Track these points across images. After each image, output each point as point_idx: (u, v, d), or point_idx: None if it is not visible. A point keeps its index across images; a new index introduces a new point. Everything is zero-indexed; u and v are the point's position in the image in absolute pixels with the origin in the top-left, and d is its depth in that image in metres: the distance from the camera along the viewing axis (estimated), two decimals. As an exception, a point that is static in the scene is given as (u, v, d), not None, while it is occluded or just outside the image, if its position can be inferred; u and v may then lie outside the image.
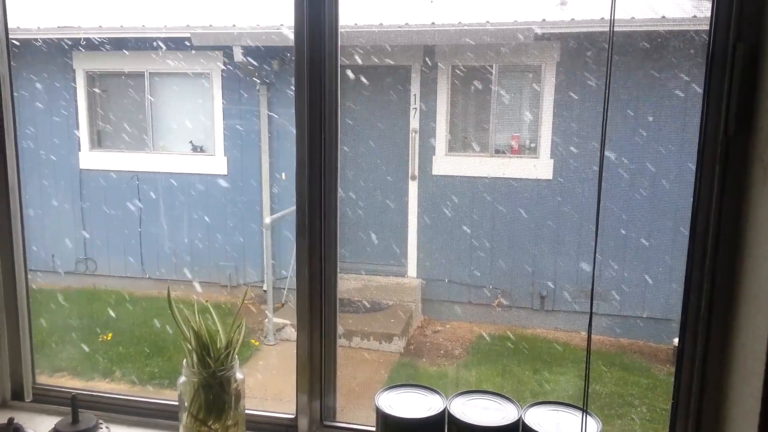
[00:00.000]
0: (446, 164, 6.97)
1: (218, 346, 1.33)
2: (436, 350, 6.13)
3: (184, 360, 1.33)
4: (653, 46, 6.15)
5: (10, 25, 1.64)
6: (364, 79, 7.05)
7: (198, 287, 7.27)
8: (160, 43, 7.23)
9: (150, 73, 7.49)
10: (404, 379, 5.54)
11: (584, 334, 6.40)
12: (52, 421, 1.43)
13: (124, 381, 5.46)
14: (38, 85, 7.66)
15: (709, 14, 1.16)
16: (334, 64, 1.42)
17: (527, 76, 6.79)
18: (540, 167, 6.67)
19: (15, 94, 1.66)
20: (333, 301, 1.52)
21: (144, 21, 7.14)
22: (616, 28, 5.99)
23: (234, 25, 6.89)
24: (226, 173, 7.46)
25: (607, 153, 6.26)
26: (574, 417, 1.27)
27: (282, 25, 6.66)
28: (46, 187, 7.75)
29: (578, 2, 6.56)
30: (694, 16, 6.01)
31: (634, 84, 6.20)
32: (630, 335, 6.34)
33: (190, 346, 1.32)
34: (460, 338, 6.37)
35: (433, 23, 6.46)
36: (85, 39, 7.43)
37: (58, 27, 7.36)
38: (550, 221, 6.64)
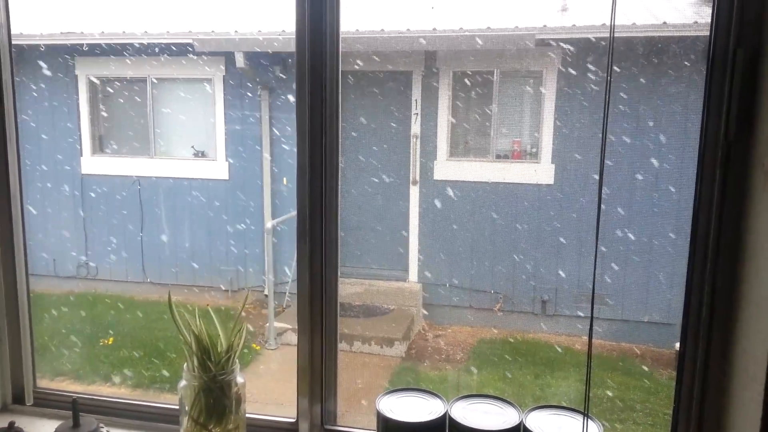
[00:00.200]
0: (447, 169, 6.97)
1: (219, 350, 1.33)
2: (437, 355, 6.12)
3: (185, 364, 1.33)
4: (654, 51, 6.17)
5: (13, 31, 1.65)
6: (365, 85, 7.06)
7: (199, 291, 7.27)
8: (163, 49, 7.25)
9: (152, 78, 7.52)
10: (405, 383, 5.53)
11: (586, 338, 6.39)
12: (52, 424, 1.43)
13: (125, 385, 5.45)
14: (41, 91, 7.68)
15: (709, 20, 1.17)
16: (335, 69, 1.42)
17: (528, 82, 6.81)
18: (541, 172, 6.67)
19: (17, 99, 1.66)
20: (334, 306, 1.52)
21: (146, 27, 7.17)
22: (617, 34, 6.01)
23: (236, 31, 6.91)
24: (227, 178, 7.47)
25: (607, 158, 6.26)
26: (575, 421, 1.27)
27: (283, 30, 6.68)
28: (47, 192, 7.76)
29: (579, 8, 6.58)
30: (695, 22, 6.02)
31: (634, 89, 6.21)
32: (631, 340, 6.33)
33: (190, 350, 1.32)
34: (461, 343, 6.36)
35: (434, 29, 6.48)
36: (87, 44, 7.46)
37: (61, 33, 7.39)
38: (551, 226, 6.64)
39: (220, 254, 7.48)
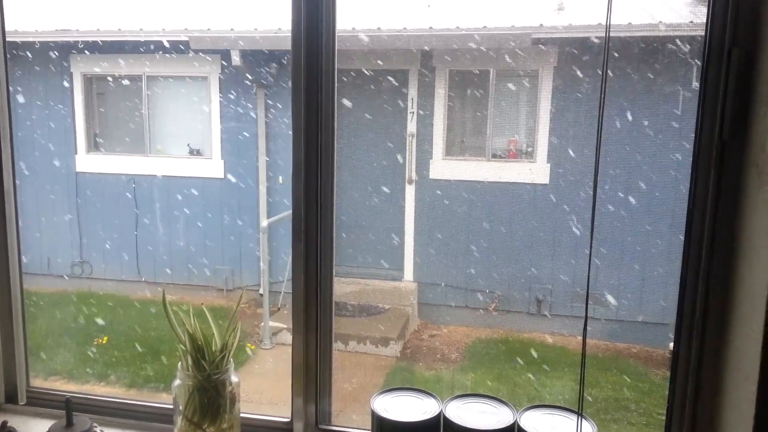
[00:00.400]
0: (443, 168, 6.97)
1: (213, 349, 1.32)
2: (432, 354, 6.12)
3: (179, 363, 1.33)
4: (650, 51, 6.18)
5: (7, 28, 1.64)
6: (361, 84, 7.06)
7: (194, 290, 7.25)
8: (158, 47, 7.23)
9: (147, 76, 7.49)
10: (400, 383, 5.53)
11: (580, 338, 6.40)
12: (46, 424, 1.42)
13: (119, 384, 5.44)
14: (35, 88, 7.65)
15: (705, 20, 1.17)
16: (331, 67, 1.42)
17: (524, 81, 6.82)
18: (537, 171, 6.68)
19: (11, 96, 1.65)
20: (329, 305, 1.52)
21: (142, 24, 7.15)
22: (613, 33, 6.02)
23: (232, 29, 6.89)
24: (222, 176, 7.46)
25: (602, 157, 6.28)
26: (569, 421, 1.27)
27: (279, 28, 6.67)
28: (41, 190, 7.73)
29: (575, 7, 6.59)
30: (691, 22, 6.04)
31: (630, 89, 6.23)
32: (626, 339, 6.35)
33: (185, 349, 1.32)
34: (456, 342, 6.37)
35: (430, 28, 6.48)
36: (82, 42, 7.43)
37: (56, 30, 7.35)
38: (547, 225, 6.65)
39: (215, 253, 7.47)
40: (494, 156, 6.91)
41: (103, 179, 7.69)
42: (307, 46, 1.39)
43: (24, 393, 1.65)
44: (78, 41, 7.43)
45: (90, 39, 7.35)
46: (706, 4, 1.16)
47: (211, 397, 1.31)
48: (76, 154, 7.77)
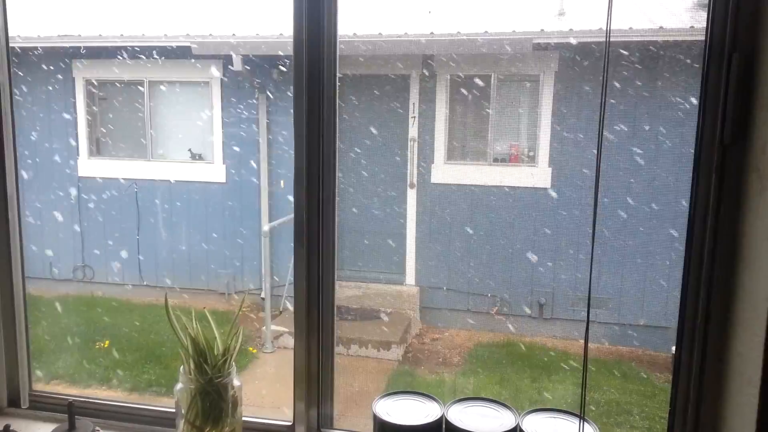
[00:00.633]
0: (445, 172, 6.98)
1: (215, 353, 1.33)
2: (434, 358, 6.12)
3: (181, 367, 1.33)
4: (651, 56, 6.19)
5: (10, 34, 1.65)
6: (363, 89, 7.07)
7: (196, 294, 7.26)
8: (160, 52, 7.25)
9: (149, 81, 7.52)
10: (402, 387, 5.52)
11: (582, 341, 6.39)
12: (48, 428, 1.43)
13: (121, 388, 5.44)
14: (38, 93, 7.68)
15: (705, 25, 1.18)
16: (332, 73, 1.43)
17: (525, 86, 6.83)
18: (538, 175, 6.68)
19: (14, 101, 1.66)
20: (331, 309, 1.52)
21: (144, 30, 7.17)
22: (613, 38, 6.03)
23: (234, 34, 6.92)
24: (224, 181, 7.47)
25: (603, 162, 6.28)
26: (571, 424, 1.27)
27: (281, 34, 6.69)
28: (44, 194, 7.75)
29: (576, 12, 6.61)
30: (692, 27, 6.04)
31: (631, 93, 6.23)
32: (628, 343, 6.33)
33: (187, 353, 1.32)
34: (458, 346, 6.36)
35: (431, 33, 6.50)
36: (85, 47, 7.45)
37: (59, 35, 7.38)
38: (549, 229, 6.65)
39: (217, 257, 7.47)
40: (496, 160, 6.92)
41: (105, 184, 7.70)
42: (308, 51, 1.40)
43: (27, 397, 1.65)
44: (80, 47, 7.46)
45: (92, 44, 7.38)
46: (707, 9, 1.16)
47: (213, 400, 1.31)
48: (79, 158, 7.79)
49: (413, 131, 7.01)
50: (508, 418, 1.28)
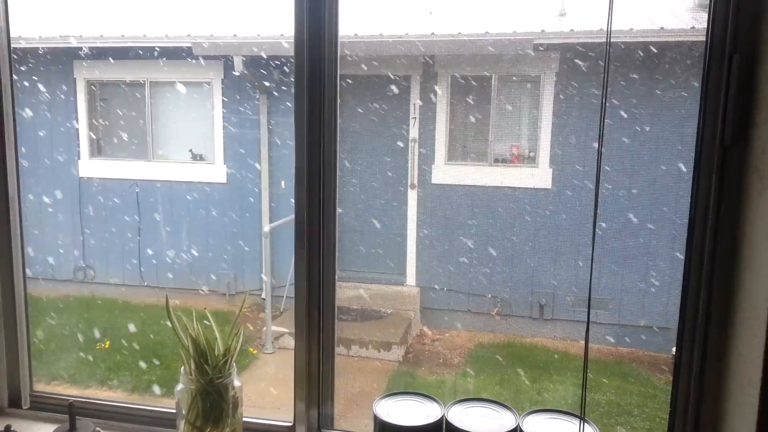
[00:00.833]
0: (445, 173, 6.98)
1: (216, 353, 1.33)
2: (434, 359, 6.12)
3: (182, 367, 1.33)
4: (651, 56, 6.19)
5: (12, 34, 1.65)
6: (363, 89, 7.07)
7: (196, 295, 7.26)
8: (161, 52, 7.26)
9: (150, 81, 7.52)
10: (402, 387, 5.52)
11: (583, 342, 6.39)
12: (49, 428, 1.43)
13: (122, 389, 5.44)
14: (39, 93, 7.68)
15: (706, 26, 1.18)
16: (333, 73, 1.43)
17: (526, 86, 6.83)
18: (539, 176, 6.68)
19: (15, 101, 1.66)
20: (331, 310, 1.52)
21: (145, 30, 7.18)
22: (614, 39, 6.03)
23: (235, 35, 6.92)
24: (225, 181, 7.47)
25: (604, 162, 6.28)
26: (571, 425, 1.27)
27: (282, 35, 6.70)
28: (45, 195, 7.75)
29: (577, 13, 6.61)
30: (692, 27, 6.04)
31: (632, 94, 6.23)
32: (629, 344, 6.33)
33: (188, 354, 1.32)
34: (458, 347, 6.36)
35: (432, 33, 6.50)
36: (86, 48, 7.46)
37: (60, 36, 7.39)
38: (549, 230, 6.65)
39: (218, 257, 7.48)
40: (496, 161, 6.92)
41: (106, 184, 7.71)
42: (309, 52, 1.40)
43: (27, 397, 1.65)
44: (81, 47, 7.47)
45: (93, 45, 7.39)
46: (707, 10, 1.16)
47: (213, 401, 1.31)
48: (79, 159, 7.79)
49: (414, 132, 7.01)
50: (509, 419, 1.28)
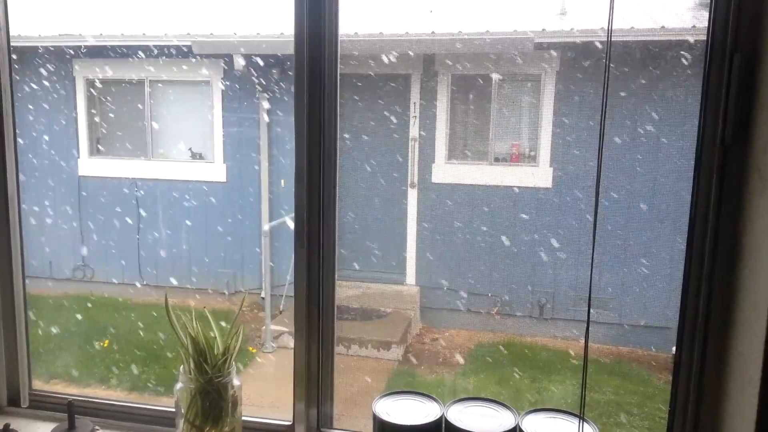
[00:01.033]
0: (446, 172, 6.98)
1: (215, 352, 1.33)
2: (434, 358, 6.12)
3: (182, 366, 1.33)
4: (652, 55, 6.18)
5: (11, 33, 1.65)
6: (363, 88, 7.07)
7: (196, 294, 7.26)
8: (161, 51, 7.25)
9: (150, 80, 7.52)
10: (402, 387, 5.51)
11: (583, 341, 6.39)
12: (48, 427, 1.43)
13: (121, 388, 5.44)
14: (38, 92, 7.68)
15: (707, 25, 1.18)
16: (333, 72, 1.42)
17: (526, 85, 6.82)
18: (539, 175, 6.68)
19: (15, 100, 1.66)
20: (331, 309, 1.52)
21: (145, 29, 7.17)
22: (615, 38, 6.02)
23: (234, 33, 6.92)
24: (225, 180, 7.47)
25: (605, 162, 6.28)
26: (571, 424, 1.27)
27: (282, 33, 6.69)
28: (44, 193, 7.75)
29: (578, 12, 6.60)
30: (693, 26, 6.04)
31: (633, 93, 6.23)
32: (629, 343, 6.33)
33: (187, 353, 1.32)
34: (458, 346, 6.36)
35: (433, 32, 6.49)
36: (85, 46, 7.46)
37: (59, 35, 7.38)
38: (550, 229, 6.65)
39: (218, 256, 7.47)
40: (497, 160, 6.92)
41: (105, 183, 7.71)
42: (309, 50, 1.40)
43: (26, 396, 1.65)
44: (81, 46, 7.46)
45: (93, 44, 7.38)
46: (708, 9, 1.16)
47: (213, 400, 1.31)
48: (79, 157, 7.79)
49: (414, 131, 7.01)
50: (508, 418, 1.28)
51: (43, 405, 1.65)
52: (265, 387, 5.37)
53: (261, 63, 7.07)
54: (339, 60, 1.43)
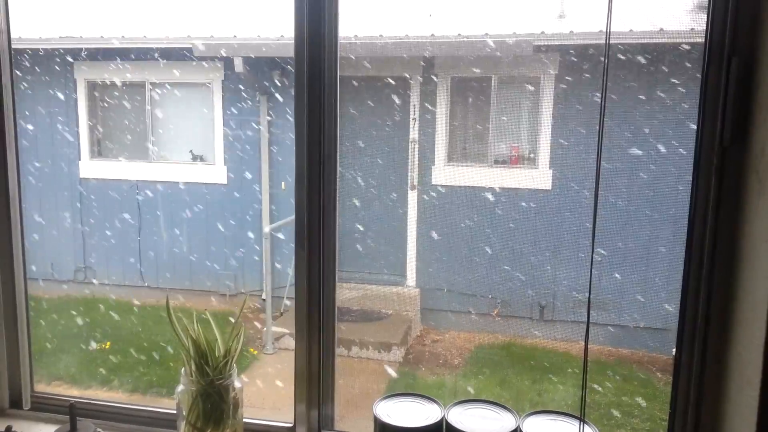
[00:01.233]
0: (445, 174, 6.98)
1: (217, 354, 1.33)
2: (434, 359, 6.12)
3: (183, 369, 1.33)
4: (651, 58, 6.19)
5: (12, 35, 1.65)
6: (363, 90, 7.08)
7: (197, 296, 7.26)
8: (162, 53, 7.27)
9: (151, 82, 7.53)
10: (402, 388, 5.52)
11: (583, 343, 6.38)
12: (50, 429, 1.43)
13: (122, 389, 5.44)
14: (39, 94, 7.69)
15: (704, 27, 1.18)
16: (333, 75, 1.43)
17: (526, 88, 6.83)
18: (538, 177, 6.69)
19: (16, 102, 1.67)
20: (332, 311, 1.52)
21: (145, 31, 7.19)
22: (614, 40, 6.03)
23: (235, 36, 6.93)
24: (225, 182, 7.48)
25: (604, 164, 6.28)
26: (571, 426, 1.27)
27: (282, 35, 6.70)
28: (45, 196, 7.76)
29: (577, 15, 6.61)
30: (692, 29, 6.05)
31: (631, 95, 6.23)
32: (629, 345, 6.33)
33: (188, 355, 1.32)
34: (459, 347, 6.36)
35: (432, 35, 6.50)
36: (86, 49, 7.47)
37: (60, 37, 7.39)
38: (549, 231, 6.65)
39: (218, 258, 7.48)
40: (496, 162, 6.92)
41: (106, 185, 7.71)
42: (309, 53, 1.40)
43: (28, 398, 1.65)
44: (82, 48, 7.47)
45: (94, 46, 7.39)
46: (707, 11, 1.17)
47: (214, 402, 1.31)
48: (80, 160, 7.80)
49: (414, 133, 7.02)
50: (509, 421, 1.28)
51: (44, 407, 1.65)
52: (266, 389, 5.37)
53: (262, 65, 7.08)
54: (339, 62, 1.44)
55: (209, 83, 7.45)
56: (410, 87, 7.00)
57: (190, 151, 7.62)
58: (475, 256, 6.86)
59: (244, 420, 1.41)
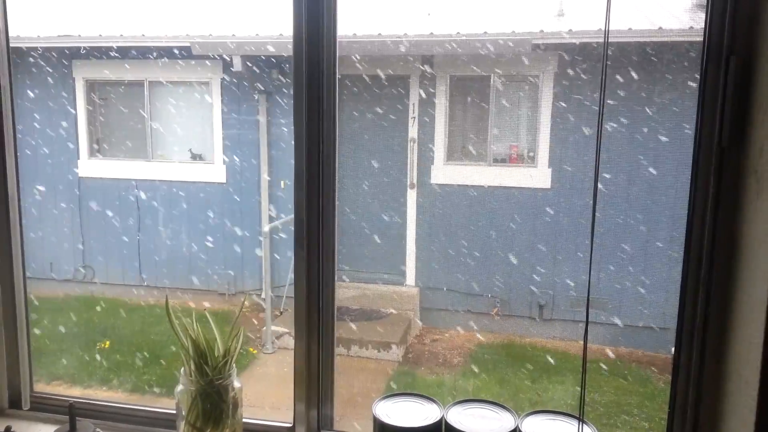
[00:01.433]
0: (445, 173, 6.98)
1: (216, 354, 1.33)
2: (434, 359, 6.12)
3: (182, 368, 1.33)
4: (650, 57, 6.19)
5: (10, 33, 1.65)
6: (362, 89, 7.08)
7: (196, 295, 7.26)
8: (160, 52, 7.26)
9: (149, 81, 7.52)
10: (402, 388, 5.52)
11: (582, 342, 6.39)
12: (49, 429, 1.43)
13: (122, 389, 5.44)
14: (38, 93, 7.68)
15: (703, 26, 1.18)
16: (332, 74, 1.43)
17: (525, 86, 6.83)
18: (538, 176, 6.69)
19: (15, 102, 1.66)
20: (331, 310, 1.52)
21: (144, 30, 7.18)
22: (612, 39, 6.03)
23: (234, 35, 6.92)
24: (224, 181, 7.47)
25: (603, 163, 6.28)
26: (570, 426, 1.28)
27: (281, 34, 6.70)
28: (44, 195, 7.75)
29: (576, 13, 6.61)
30: (691, 28, 6.05)
31: (630, 94, 6.24)
32: (628, 344, 6.34)
33: (188, 355, 1.32)
34: (458, 347, 6.36)
35: (431, 34, 6.50)
36: (85, 47, 7.46)
37: (58, 36, 7.39)
38: (549, 230, 6.65)
39: (218, 258, 7.48)
40: (495, 161, 6.92)
41: (105, 184, 7.71)
42: (308, 51, 1.40)
43: (28, 398, 1.65)
44: (80, 47, 7.46)
45: (92, 45, 7.38)
46: (705, 10, 1.17)
47: (213, 402, 1.31)
48: (79, 159, 7.79)
49: (413, 132, 7.01)
50: (508, 420, 1.28)
51: (44, 407, 1.65)
52: (265, 388, 5.37)
53: (260, 64, 7.08)
54: (337, 61, 1.44)
55: (208, 82, 7.44)
56: (409, 86, 6.99)
57: (189, 150, 7.61)
58: (474, 255, 6.86)
59: (244, 420, 1.41)
